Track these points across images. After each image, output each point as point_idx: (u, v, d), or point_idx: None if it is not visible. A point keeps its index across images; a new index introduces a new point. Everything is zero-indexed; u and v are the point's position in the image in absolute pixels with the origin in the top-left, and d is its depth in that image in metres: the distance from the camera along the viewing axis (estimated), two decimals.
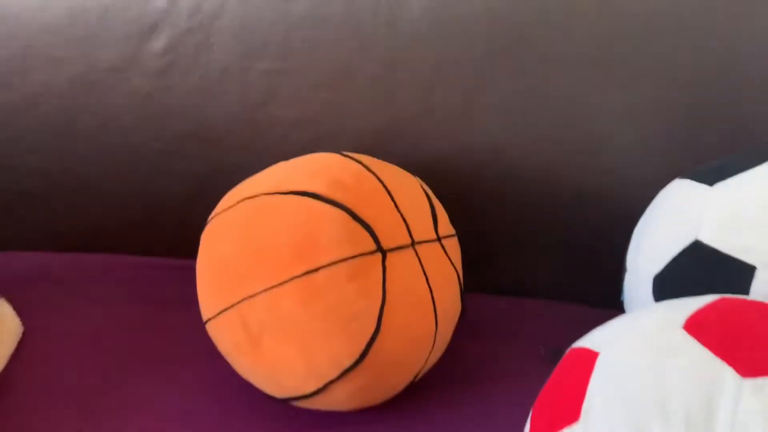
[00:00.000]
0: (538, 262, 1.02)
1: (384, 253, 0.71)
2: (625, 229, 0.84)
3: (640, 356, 0.52)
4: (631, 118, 0.92)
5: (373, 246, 0.70)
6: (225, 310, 0.72)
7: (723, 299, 0.60)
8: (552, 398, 0.60)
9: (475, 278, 0.92)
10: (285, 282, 0.68)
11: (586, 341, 0.61)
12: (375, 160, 0.81)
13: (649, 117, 0.91)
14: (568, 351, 0.72)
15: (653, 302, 0.73)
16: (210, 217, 0.80)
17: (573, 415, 0.54)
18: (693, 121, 0.89)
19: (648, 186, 0.84)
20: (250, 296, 0.70)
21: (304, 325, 0.68)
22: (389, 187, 0.75)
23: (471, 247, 0.87)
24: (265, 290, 0.69)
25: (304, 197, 0.72)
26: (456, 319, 0.81)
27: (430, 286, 0.74)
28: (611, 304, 0.88)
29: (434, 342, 0.75)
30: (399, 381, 0.75)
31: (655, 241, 0.75)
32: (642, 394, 0.49)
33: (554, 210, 0.99)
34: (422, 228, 0.76)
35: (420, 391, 0.81)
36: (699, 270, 0.69)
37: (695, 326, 0.54)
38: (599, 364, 0.54)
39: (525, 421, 0.76)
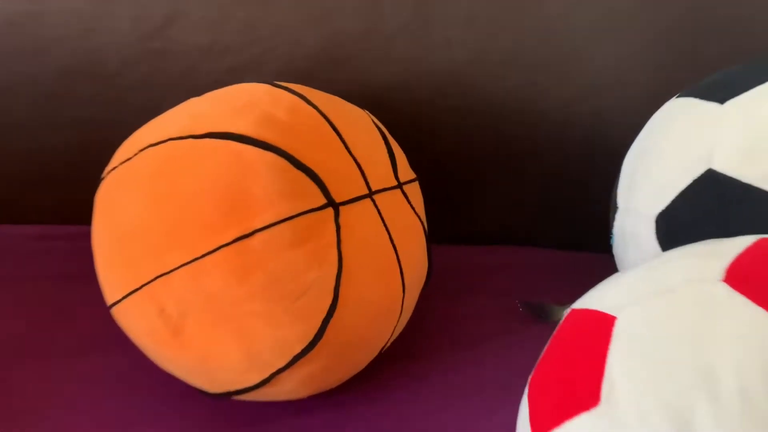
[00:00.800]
0: (510, 204, 0.89)
1: (336, 207, 0.56)
2: (610, 161, 0.72)
3: (674, 320, 0.42)
4: (613, 30, 0.78)
5: (321, 199, 0.55)
6: (133, 291, 0.56)
7: (764, 240, 0.50)
8: (557, 375, 0.49)
9: (440, 227, 0.79)
10: (210, 252, 0.53)
11: (594, 301, 0.51)
12: (313, 90, 0.65)
13: (632, 28, 0.78)
14: (568, 312, 0.61)
15: (657, 247, 0.62)
16: (104, 172, 0.62)
17: (590, 398, 0.43)
18: (686, 30, 0.76)
19: (636, 110, 0.72)
20: (165, 273, 0.54)
21: (239, 306, 0.53)
22: (336, 123, 0.60)
23: (433, 191, 0.73)
24: (185, 264, 0.53)
25: (226, 140, 0.55)
26: (423, 278, 0.67)
27: (394, 244, 0.60)
28: (600, 248, 0.77)
29: (402, 309, 0.62)
30: (361, 360, 0.62)
31: (655, 173, 0.63)
32: (681, 369, 0.39)
33: (527, 143, 0.86)
34: (380, 173, 0.61)
35: (384, 366, 0.68)
36: (714, 205, 0.58)
37: (738, 277, 0.44)
38: (619, 332, 0.44)
39: (515, 392, 0.65)
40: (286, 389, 0.59)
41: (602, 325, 0.47)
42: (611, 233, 0.70)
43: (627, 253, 0.67)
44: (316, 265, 0.53)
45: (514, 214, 0.90)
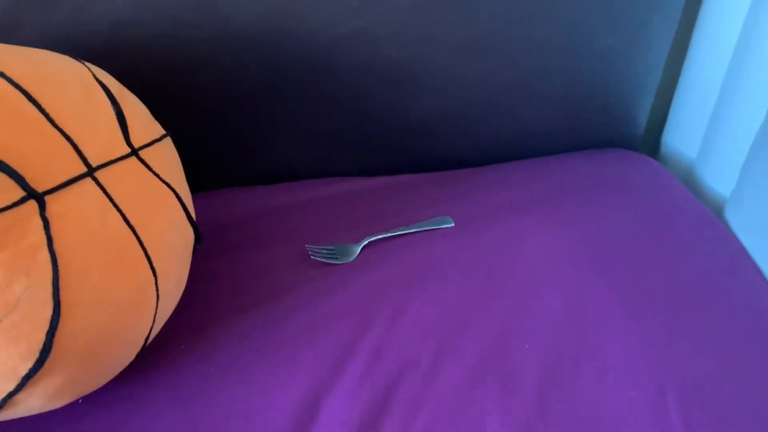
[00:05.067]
0: (298, 138, 0.82)
1: (40, 197, 0.46)
2: (391, 81, 0.66)
3: None
4: None
5: (18, 192, 0.45)
6: None
7: None
8: None
9: (220, 172, 0.71)
10: None
11: None
12: (3, 48, 0.53)
13: None
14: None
15: None
16: None
17: None
18: None
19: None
20: None
21: None
22: (35, 94, 0.49)
23: (207, 135, 0.63)
24: None
25: None
26: (187, 247, 0.60)
27: (130, 224, 0.51)
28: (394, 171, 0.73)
29: (158, 293, 0.55)
30: (119, 358, 0.55)
31: None
32: None
33: (300, 70, 0.78)
34: (103, 144, 0.52)
35: (168, 345, 0.62)
36: None
37: None
38: None
39: (313, 347, 0.61)
40: (36, 405, 0.51)
41: None
42: None
43: None
44: (21, 274, 0.45)
45: (303, 148, 0.84)
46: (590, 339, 0.64)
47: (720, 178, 0.89)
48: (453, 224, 0.79)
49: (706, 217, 0.82)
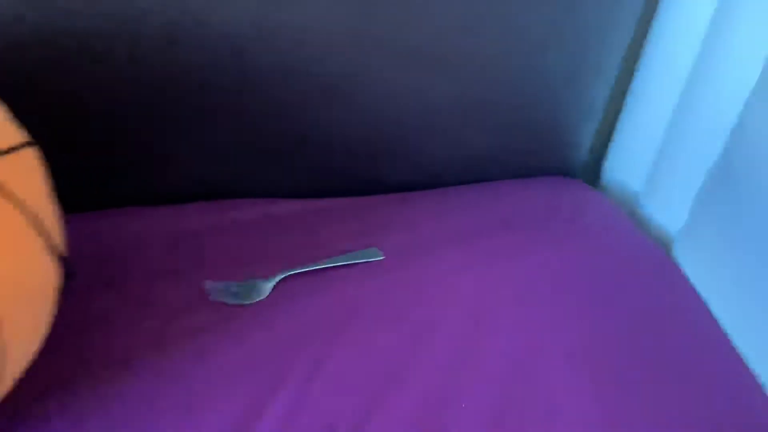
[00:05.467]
0: (210, 153, 0.71)
1: None
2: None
3: None
4: None
5: None
6: None
7: None
8: None
9: (125, 188, 0.59)
10: None
11: None
12: None
13: None
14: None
15: None
16: None
17: None
18: None
19: None
20: None
21: None
22: None
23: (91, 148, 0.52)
24: None
25: None
26: (48, 286, 0.48)
27: None
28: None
29: (6, 352, 0.42)
30: None
31: None
32: None
33: (207, 68, 0.67)
34: None
35: (28, 408, 0.49)
36: None
37: None
38: None
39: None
40: None
41: None
42: None
43: None
44: None
45: (219, 164, 0.73)
46: (539, 394, 0.55)
47: (668, 213, 0.83)
48: (382, 257, 0.69)
49: (656, 254, 0.76)
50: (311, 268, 0.65)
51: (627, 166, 0.92)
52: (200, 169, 0.74)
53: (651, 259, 0.75)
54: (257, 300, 0.62)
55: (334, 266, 0.66)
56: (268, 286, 0.63)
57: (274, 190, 0.78)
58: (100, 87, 0.65)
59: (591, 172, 1.01)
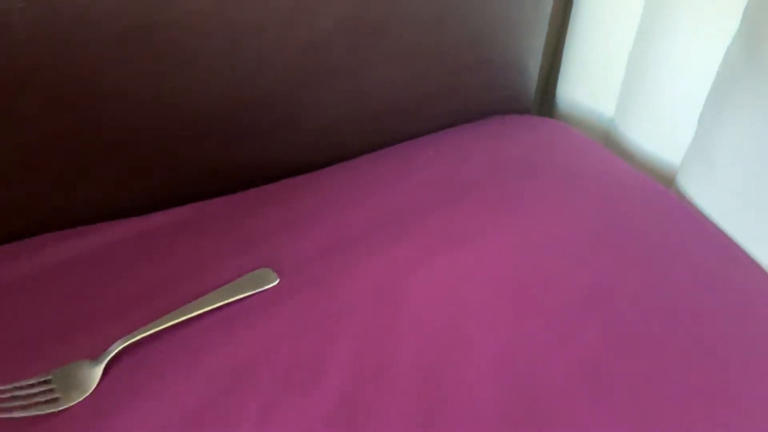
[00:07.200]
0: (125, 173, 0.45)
1: None
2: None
3: None
4: None
5: None
6: None
7: None
8: None
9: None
10: None
11: None
12: None
13: None
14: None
15: None
16: None
17: None
18: None
19: None
20: None
21: None
22: None
23: None
24: None
25: None
26: None
27: None
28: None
29: None
30: None
31: None
32: None
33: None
34: None
35: None
36: None
37: None
38: None
39: None
40: None
41: None
42: None
43: None
44: None
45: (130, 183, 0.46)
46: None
47: (663, 143, 0.62)
48: (277, 281, 0.44)
49: (670, 199, 0.55)
50: (164, 327, 0.40)
51: (585, 93, 0.70)
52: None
53: (670, 207, 0.54)
54: (78, 400, 0.36)
55: (202, 313, 0.41)
56: (95, 373, 0.37)
57: (115, 207, 0.51)
58: None
59: (539, 106, 0.79)
